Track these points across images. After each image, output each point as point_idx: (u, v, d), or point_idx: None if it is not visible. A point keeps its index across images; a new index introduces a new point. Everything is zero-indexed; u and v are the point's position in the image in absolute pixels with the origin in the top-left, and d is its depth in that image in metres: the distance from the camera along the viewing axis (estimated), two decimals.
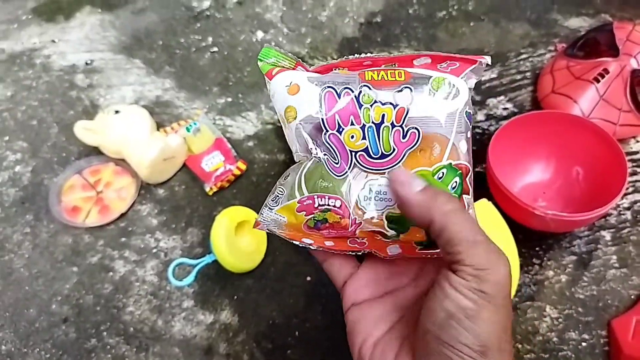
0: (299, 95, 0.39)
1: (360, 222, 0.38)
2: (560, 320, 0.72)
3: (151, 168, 0.80)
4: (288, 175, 0.40)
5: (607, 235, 0.79)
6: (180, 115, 0.94)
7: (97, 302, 0.76)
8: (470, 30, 1.07)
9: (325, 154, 0.38)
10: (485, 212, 0.72)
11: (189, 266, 0.78)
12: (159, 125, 0.88)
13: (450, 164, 0.37)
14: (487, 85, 0.99)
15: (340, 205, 0.38)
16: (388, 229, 0.38)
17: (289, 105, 0.39)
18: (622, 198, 0.82)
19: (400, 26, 1.07)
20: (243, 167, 0.86)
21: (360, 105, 0.37)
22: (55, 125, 0.92)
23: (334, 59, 1.02)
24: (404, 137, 0.37)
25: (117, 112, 0.83)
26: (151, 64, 1.01)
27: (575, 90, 0.90)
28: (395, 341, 0.39)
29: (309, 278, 0.78)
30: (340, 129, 0.37)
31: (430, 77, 0.38)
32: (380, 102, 0.37)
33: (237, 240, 0.75)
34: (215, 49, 1.03)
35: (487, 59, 0.39)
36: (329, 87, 0.38)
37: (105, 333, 0.73)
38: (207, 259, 0.77)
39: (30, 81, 0.98)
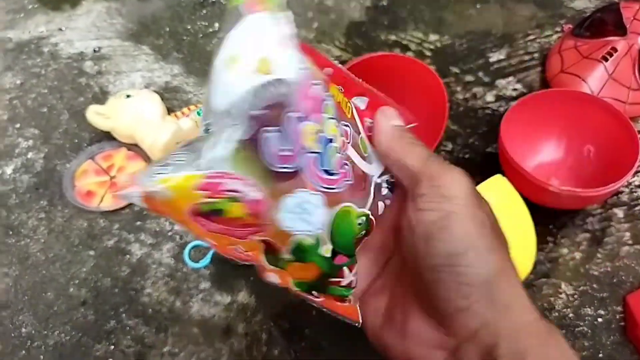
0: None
1: (264, 230, 0.31)
2: (575, 296, 0.73)
3: (164, 151, 0.80)
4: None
5: (619, 212, 0.80)
6: (190, 100, 0.94)
7: (115, 285, 0.76)
8: (477, 12, 1.07)
9: (266, 131, 0.29)
10: (500, 188, 0.72)
11: (205, 248, 0.78)
12: (169, 110, 0.88)
13: (364, 212, 0.35)
14: (496, 66, 0.99)
15: (259, 200, 0.29)
16: (285, 253, 0.33)
17: (264, 56, 0.29)
18: (633, 176, 0.82)
19: (407, 9, 1.07)
20: None
21: (322, 112, 0.31)
22: (66, 112, 0.92)
23: (341, 42, 1.03)
24: (342, 168, 0.33)
25: (128, 96, 0.83)
26: (159, 50, 1.01)
27: (583, 69, 0.90)
28: (403, 307, 0.37)
29: None
30: (304, 119, 0.30)
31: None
32: (336, 119, 0.33)
33: None
34: (222, 35, 1.03)
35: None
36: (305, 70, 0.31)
37: (124, 315, 0.74)
38: None
39: (39, 69, 0.98)
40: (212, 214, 0.29)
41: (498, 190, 0.70)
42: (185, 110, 0.89)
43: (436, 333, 0.33)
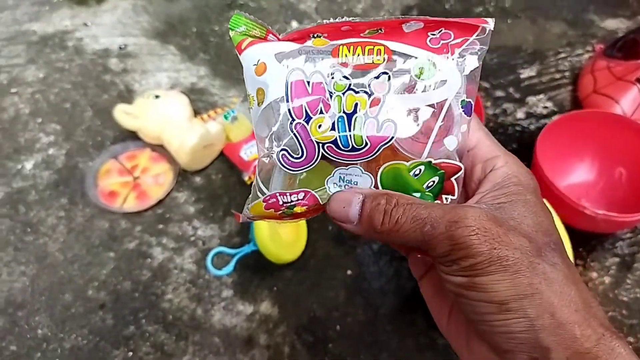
0: (266, 76, 0.34)
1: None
2: None
3: (192, 154, 0.78)
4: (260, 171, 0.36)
5: None
6: (215, 103, 0.92)
7: (135, 289, 0.74)
8: (507, 27, 1.06)
9: (283, 149, 0.33)
10: None
11: (228, 255, 0.76)
12: (195, 113, 0.87)
13: (430, 162, 0.33)
14: (527, 83, 0.98)
15: (304, 196, 0.35)
16: None
17: (258, 87, 0.34)
18: None
19: None
20: None
21: (331, 93, 0.33)
22: (90, 109, 0.90)
23: None
24: (378, 131, 0.33)
25: (157, 96, 0.82)
26: (185, 50, 0.99)
27: (617, 91, 0.89)
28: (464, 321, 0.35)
29: (349, 272, 0.76)
30: (308, 118, 0.33)
31: (415, 57, 0.33)
32: (354, 89, 0.33)
33: (279, 230, 0.74)
34: None
35: (491, 24, 0.32)
36: (296, 71, 0.33)
37: (143, 320, 0.72)
38: (247, 249, 0.76)
39: (63, 63, 0.96)
40: (286, 217, 0.36)
41: None
42: (211, 113, 0.88)
43: (495, 357, 0.31)
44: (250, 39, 0.36)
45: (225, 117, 0.86)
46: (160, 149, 0.83)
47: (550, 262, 0.30)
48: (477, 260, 0.29)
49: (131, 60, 0.97)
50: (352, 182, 0.34)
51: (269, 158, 0.34)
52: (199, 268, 0.76)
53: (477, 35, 0.32)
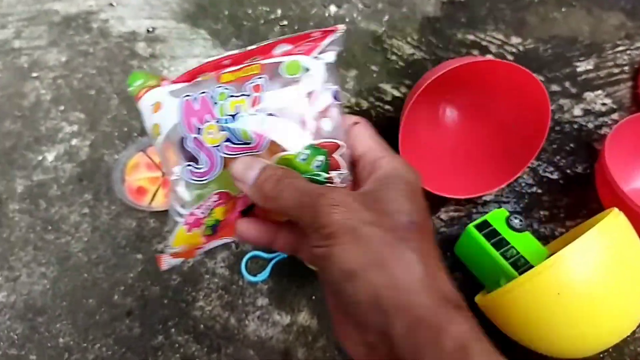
0: (161, 111, 0.39)
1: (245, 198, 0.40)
2: None
3: None
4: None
5: None
6: None
7: (164, 295, 0.68)
8: (562, 15, 0.98)
9: (187, 165, 0.38)
10: (618, 226, 0.61)
11: (263, 260, 0.71)
12: None
13: (312, 144, 0.38)
14: (584, 77, 0.90)
15: (218, 197, 0.40)
16: None
17: (154, 123, 0.39)
18: None
19: (487, 7, 0.98)
20: None
21: (215, 103, 0.38)
22: (116, 97, 0.84)
23: (414, 39, 0.94)
24: (261, 125, 0.38)
25: None
26: (217, 35, 0.92)
27: None
28: None
29: None
30: (199, 130, 0.38)
31: (282, 62, 0.38)
32: (234, 95, 0.38)
33: None
34: (285, 22, 0.95)
35: (341, 29, 0.40)
36: (186, 96, 0.38)
37: (173, 330, 0.66)
38: (283, 254, 0.70)
39: (87, 47, 0.90)
40: (215, 227, 0.41)
41: (616, 229, 0.60)
42: None
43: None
44: (145, 89, 0.41)
45: None
46: None
47: (404, 239, 0.33)
48: (332, 229, 0.33)
49: (160, 45, 0.90)
50: None
51: (177, 180, 0.39)
52: (232, 273, 0.70)
53: (333, 38, 0.40)
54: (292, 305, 0.68)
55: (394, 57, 0.91)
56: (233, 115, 0.37)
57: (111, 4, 0.95)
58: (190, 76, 0.41)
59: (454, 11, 0.98)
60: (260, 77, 0.38)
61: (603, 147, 0.70)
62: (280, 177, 0.36)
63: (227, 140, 0.37)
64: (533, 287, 0.55)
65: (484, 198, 0.78)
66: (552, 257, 0.54)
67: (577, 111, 0.86)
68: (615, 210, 0.60)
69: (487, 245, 0.65)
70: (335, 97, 0.39)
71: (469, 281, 0.71)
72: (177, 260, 0.44)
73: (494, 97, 0.77)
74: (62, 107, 0.83)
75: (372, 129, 0.41)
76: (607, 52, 0.94)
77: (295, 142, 0.38)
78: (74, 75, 0.86)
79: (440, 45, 0.93)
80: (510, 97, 0.74)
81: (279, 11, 0.96)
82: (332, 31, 0.40)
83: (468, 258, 0.71)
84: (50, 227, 0.73)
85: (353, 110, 0.85)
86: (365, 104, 0.86)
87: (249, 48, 0.41)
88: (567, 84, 0.89)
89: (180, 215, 0.40)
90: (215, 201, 0.40)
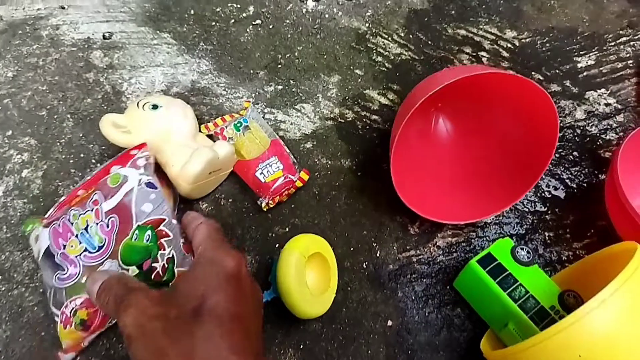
0: (39, 240, 0.56)
1: None
2: None
3: (194, 182, 0.64)
4: None
5: None
6: (221, 106, 0.77)
7: None
8: (559, 4, 0.91)
9: (56, 273, 0.54)
10: None
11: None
12: (198, 120, 0.71)
13: (138, 225, 0.55)
14: (585, 73, 0.83)
15: (83, 300, 0.54)
16: None
17: (37, 249, 0.57)
18: None
19: None
20: (306, 177, 0.71)
21: (72, 223, 0.55)
22: (70, 118, 0.74)
23: (400, 36, 0.86)
24: (107, 227, 0.55)
25: (155, 107, 0.66)
26: (183, 39, 0.83)
27: None
28: None
29: (390, 322, 0.64)
30: (64, 246, 0.54)
31: (106, 177, 0.58)
32: (81, 212, 0.55)
33: (307, 278, 0.60)
34: (259, 21, 0.86)
35: (147, 151, 0.60)
36: (53, 223, 0.56)
37: None
38: (266, 297, 0.62)
39: (37, 59, 0.79)
40: (85, 324, 0.54)
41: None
42: (218, 121, 0.73)
43: None
44: (34, 230, 0.58)
45: (236, 128, 0.71)
46: (157, 170, 0.69)
47: (189, 324, 0.41)
48: (126, 331, 0.41)
49: (118, 53, 0.80)
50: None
51: (52, 288, 0.54)
52: None
53: (138, 156, 0.59)
54: (278, 356, 0.61)
55: (379, 58, 0.83)
56: (86, 228, 0.54)
57: (62, 7, 0.85)
58: (60, 208, 0.59)
59: (444, 3, 0.90)
60: (95, 193, 0.56)
61: (614, 163, 0.64)
62: (105, 288, 0.47)
63: (85, 250, 0.54)
64: (552, 346, 0.49)
65: (483, 220, 0.71)
66: (572, 314, 0.48)
67: (580, 114, 0.79)
68: (633, 243, 0.53)
69: (493, 284, 0.59)
70: (150, 187, 0.57)
71: (473, 317, 0.65)
72: (70, 355, 0.56)
73: (493, 109, 0.70)
74: (9, 133, 0.73)
75: (212, 226, 0.55)
76: (609, 44, 0.87)
77: (128, 229, 0.55)
78: (23, 94, 0.76)
79: (430, 42, 0.85)
80: (514, 111, 0.67)
81: (251, 8, 0.87)
82: (133, 155, 0.59)
83: (470, 295, 0.64)
84: None
85: (337, 122, 0.77)
86: (350, 115, 0.78)
87: (94, 173, 0.59)
88: (567, 82, 0.82)
89: (56, 315, 0.55)
90: (78, 305, 0.54)
